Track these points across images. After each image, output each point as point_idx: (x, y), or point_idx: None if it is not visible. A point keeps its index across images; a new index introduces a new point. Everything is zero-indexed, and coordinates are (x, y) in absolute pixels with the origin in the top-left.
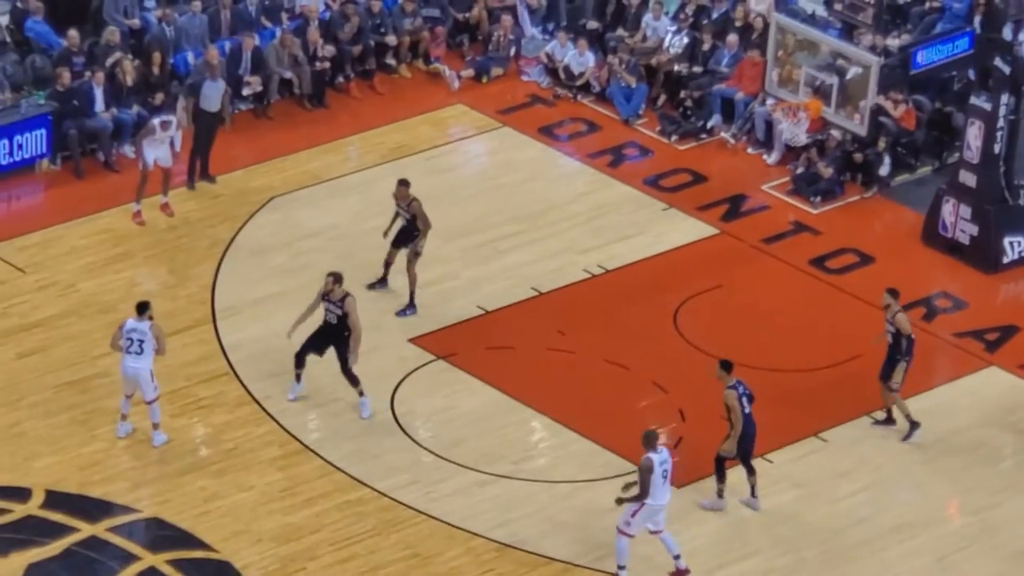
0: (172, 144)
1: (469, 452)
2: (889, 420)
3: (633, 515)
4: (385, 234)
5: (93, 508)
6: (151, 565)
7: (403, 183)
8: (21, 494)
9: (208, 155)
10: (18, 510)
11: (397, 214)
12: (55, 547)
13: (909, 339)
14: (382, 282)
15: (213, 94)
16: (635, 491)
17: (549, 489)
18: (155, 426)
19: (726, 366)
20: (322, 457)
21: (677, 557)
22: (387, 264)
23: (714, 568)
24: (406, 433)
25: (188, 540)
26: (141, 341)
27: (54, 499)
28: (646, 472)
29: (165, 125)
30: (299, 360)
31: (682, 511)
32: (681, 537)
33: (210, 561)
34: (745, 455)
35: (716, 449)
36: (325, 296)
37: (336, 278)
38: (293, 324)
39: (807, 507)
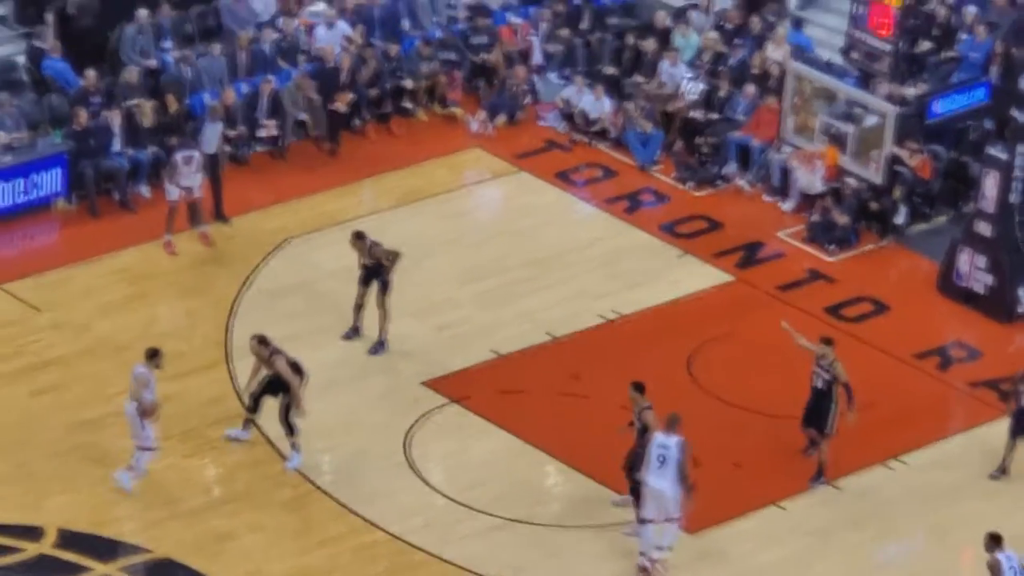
0: (197, 176)
1: (483, 496)
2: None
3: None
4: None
5: (105, 548)
6: None
7: (358, 236)
8: (33, 533)
9: (219, 196)
10: (30, 549)
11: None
12: None
13: (847, 387)
14: (354, 331)
15: (212, 136)
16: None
17: (563, 534)
18: (130, 467)
19: (639, 388)
20: (335, 499)
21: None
22: (358, 307)
23: None
24: (420, 476)
25: None
26: None
27: (66, 538)
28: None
29: (188, 160)
30: (254, 404)
31: (693, 559)
32: None
33: None
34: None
35: (628, 474)
36: (258, 357)
37: (259, 340)
38: (246, 387)
39: (821, 556)
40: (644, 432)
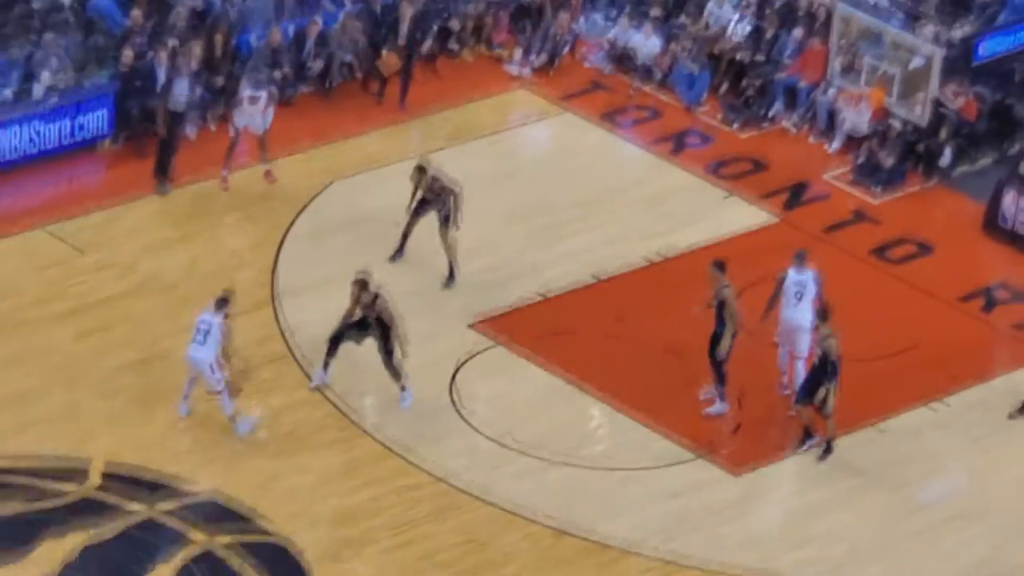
0: (264, 115)
1: (527, 437)
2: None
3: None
4: (408, 209)
5: (150, 489)
6: (207, 548)
7: (420, 169)
8: (79, 474)
9: (170, 156)
10: (75, 491)
11: (415, 188)
12: (112, 528)
13: (834, 364)
14: (399, 253)
15: (179, 93)
16: None
17: (607, 475)
18: (231, 419)
19: (720, 266)
20: (379, 441)
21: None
22: (405, 235)
23: (770, 555)
24: (464, 418)
25: (244, 523)
26: (207, 332)
27: (111, 480)
28: (777, 283)
29: (254, 100)
30: (332, 347)
31: (741, 498)
32: (738, 525)
33: (267, 544)
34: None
35: (714, 353)
36: (356, 301)
37: (361, 284)
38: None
39: (864, 496)
40: (722, 308)
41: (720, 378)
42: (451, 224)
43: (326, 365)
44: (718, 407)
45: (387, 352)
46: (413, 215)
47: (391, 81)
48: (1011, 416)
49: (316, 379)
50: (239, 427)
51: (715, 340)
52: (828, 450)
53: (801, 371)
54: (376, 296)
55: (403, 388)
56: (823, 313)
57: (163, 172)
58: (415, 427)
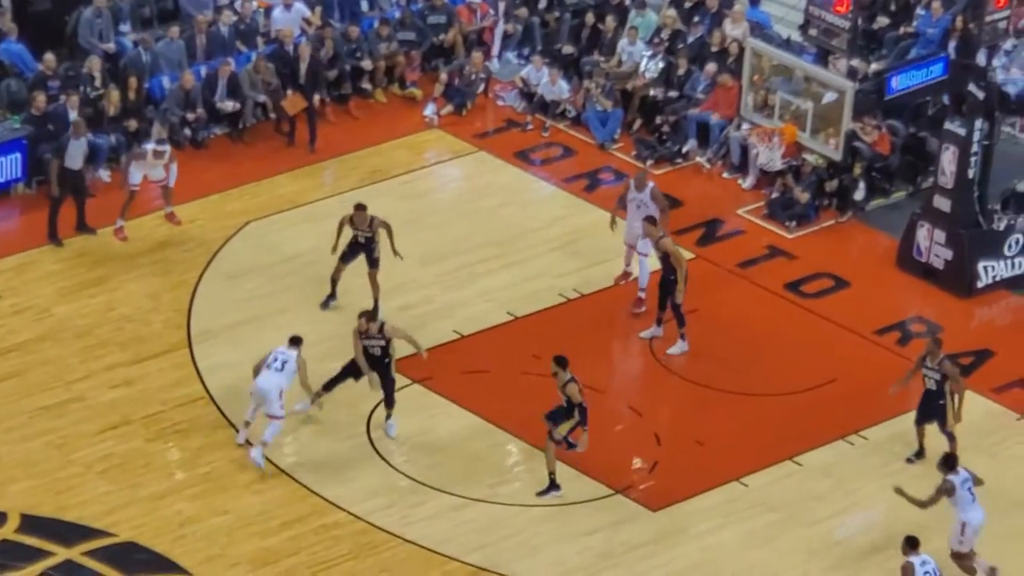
0: (168, 169)
1: (445, 476)
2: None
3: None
4: (334, 250)
5: (68, 532)
6: None
7: (360, 207)
8: None
9: (83, 208)
10: None
11: (341, 230)
12: (30, 571)
13: (580, 407)
14: (331, 297)
15: (76, 152)
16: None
17: (525, 513)
18: (263, 443)
19: (651, 220)
20: (297, 481)
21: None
22: (335, 281)
23: None
24: (382, 457)
25: (164, 564)
26: (285, 362)
27: (29, 523)
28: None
29: (158, 154)
30: (330, 386)
31: (657, 535)
32: (657, 560)
33: None
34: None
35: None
36: (363, 335)
37: (368, 316)
38: (367, 370)
39: (782, 531)
40: (667, 257)
41: (681, 320)
42: (378, 267)
43: (317, 396)
44: (681, 346)
45: (391, 383)
46: (342, 260)
47: (300, 122)
48: (909, 460)
49: (300, 405)
50: (256, 456)
51: (666, 286)
52: (553, 486)
53: (646, 266)
54: (383, 324)
55: (389, 416)
56: (562, 360)
57: (53, 232)
58: (333, 466)
